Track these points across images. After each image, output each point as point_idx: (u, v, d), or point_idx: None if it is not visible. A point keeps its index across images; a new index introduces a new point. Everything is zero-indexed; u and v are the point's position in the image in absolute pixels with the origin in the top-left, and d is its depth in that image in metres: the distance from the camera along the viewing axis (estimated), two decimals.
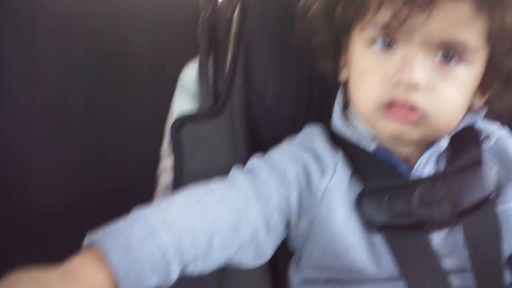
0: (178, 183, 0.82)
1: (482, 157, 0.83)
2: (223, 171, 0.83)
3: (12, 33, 1.27)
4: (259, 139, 0.96)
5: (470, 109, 0.83)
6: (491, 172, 0.82)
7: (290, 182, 0.79)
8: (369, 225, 0.79)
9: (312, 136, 0.86)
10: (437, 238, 0.79)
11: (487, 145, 0.85)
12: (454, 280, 0.78)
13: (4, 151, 1.24)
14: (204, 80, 0.92)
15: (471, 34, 0.73)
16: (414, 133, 0.77)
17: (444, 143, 0.81)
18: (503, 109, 0.83)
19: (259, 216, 0.76)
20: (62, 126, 1.26)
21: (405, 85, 0.73)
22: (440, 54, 0.74)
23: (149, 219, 0.67)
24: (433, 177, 0.80)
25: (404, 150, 0.83)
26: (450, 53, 0.74)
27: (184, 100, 1.11)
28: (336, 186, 0.80)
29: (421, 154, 0.81)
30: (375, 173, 0.82)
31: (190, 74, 1.10)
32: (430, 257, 0.78)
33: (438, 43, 0.73)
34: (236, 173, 0.80)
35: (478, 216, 0.80)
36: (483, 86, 0.80)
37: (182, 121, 0.84)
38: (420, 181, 0.80)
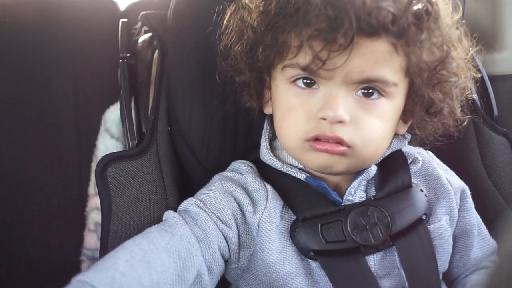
0: (108, 221, 0.81)
1: (411, 180, 0.88)
2: (152, 209, 0.84)
3: None
4: (187, 175, 0.97)
5: (395, 136, 0.87)
6: (421, 194, 0.87)
7: (228, 221, 0.81)
8: (305, 253, 0.81)
9: (240, 171, 0.88)
10: (374, 260, 0.82)
11: (415, 168, 0.89)
12: None
13: None
14: (127, 122, 0.92)
15: (390, 70, 0.76)
16: (341, 164, 0.80)
17: (372, 171, 0.85)
18: (427, 135, 0.88)
19: (203, 260, 0.77)
20: None
21: (330, 121, 0.76)
22: (360, 90, 0.78)
23: (95, 286, 0.64)
24: (364, 203, 0.84)
25: (334, 178, 0.86)
26: (370, 88, 0.78)
27: (107, 142, 1.11)
28: (269, 219, 0.82)
29: (350, 181, 0.85)
30: (307, 201, 0.84)
31: (112, 116, 1.11)
32: (368, 279, 0.80)
33: (358, 81, 0.76)
34: (174, 219, 0.80)
35: (411, 237, 0.83)
36: (405, 114, 0.85)
37: (107, 161, 0.83)
38: (351, 207, 0.83)
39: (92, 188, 1.09)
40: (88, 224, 1.07)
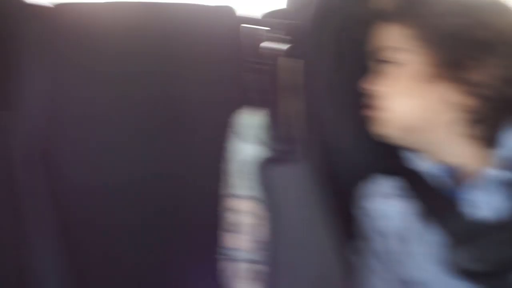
0: (276, 223, 0.82)
1: None
2: (316, 214, 0.86)
3: None
4: (337, 183, 1.00)
5: None
6: None
7: None
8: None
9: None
10: None
11: None
12: None
13: None
14: (275, 128, 0.95)
15: None
16: None
17: None
18: None
19: None
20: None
21: None
22: None
23: None
24: None
25: None
26: None
27: (243, 146, 1.14)
28: None
29: None
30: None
31: (249, 121, 1.14)
32: None
33: None
34: None
35: None
36: None
37: (271, 162, 0.84)
38: None
39: (237, 191, 1.12)
40: (234, 224, 1.11)
